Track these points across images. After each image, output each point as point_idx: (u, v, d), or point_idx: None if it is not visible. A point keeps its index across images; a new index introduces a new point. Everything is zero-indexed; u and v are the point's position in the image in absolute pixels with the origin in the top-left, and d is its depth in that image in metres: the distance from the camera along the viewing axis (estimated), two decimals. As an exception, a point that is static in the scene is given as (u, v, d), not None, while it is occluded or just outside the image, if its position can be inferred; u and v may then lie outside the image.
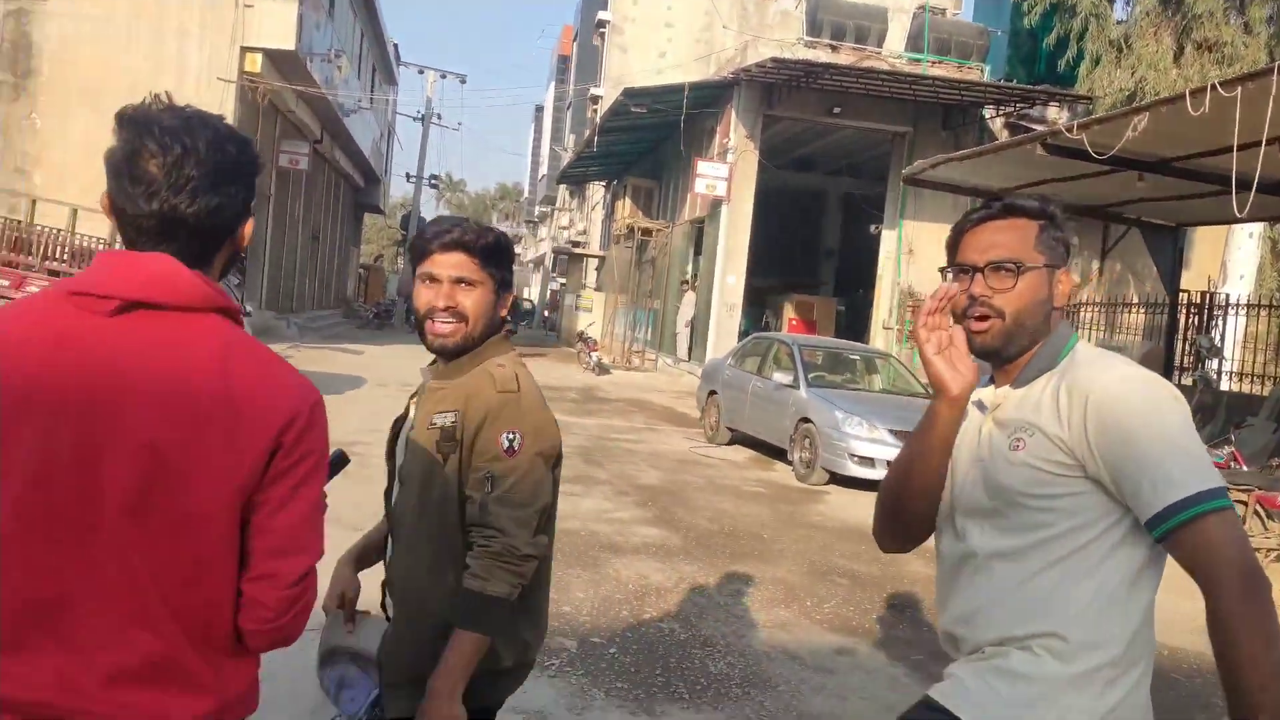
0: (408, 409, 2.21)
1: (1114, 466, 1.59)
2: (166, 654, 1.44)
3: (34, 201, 15.47)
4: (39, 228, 14.71)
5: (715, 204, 21.26)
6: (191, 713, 1.46)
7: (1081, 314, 16.86)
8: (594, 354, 24.14)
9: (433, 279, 2.08)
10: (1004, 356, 1.76)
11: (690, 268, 25.27)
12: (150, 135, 1.44)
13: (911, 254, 20.69)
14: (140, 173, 1.44)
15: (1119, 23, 19.72)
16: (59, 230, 15.12)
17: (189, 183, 1.44)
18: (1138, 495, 1.58)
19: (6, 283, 14.48)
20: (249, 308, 16.03)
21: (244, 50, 19.02)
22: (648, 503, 8.90)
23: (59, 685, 1.41)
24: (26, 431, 1.39)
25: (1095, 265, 21.34)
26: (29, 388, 1.39)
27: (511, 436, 1.97)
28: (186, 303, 1.45)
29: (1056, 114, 20.58)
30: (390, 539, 2.18)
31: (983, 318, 1.74)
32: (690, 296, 24.57)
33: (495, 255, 2.11)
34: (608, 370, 23.50)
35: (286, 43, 19.00)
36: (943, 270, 1.82)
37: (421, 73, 39.99)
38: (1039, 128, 19.40)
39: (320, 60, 21.99)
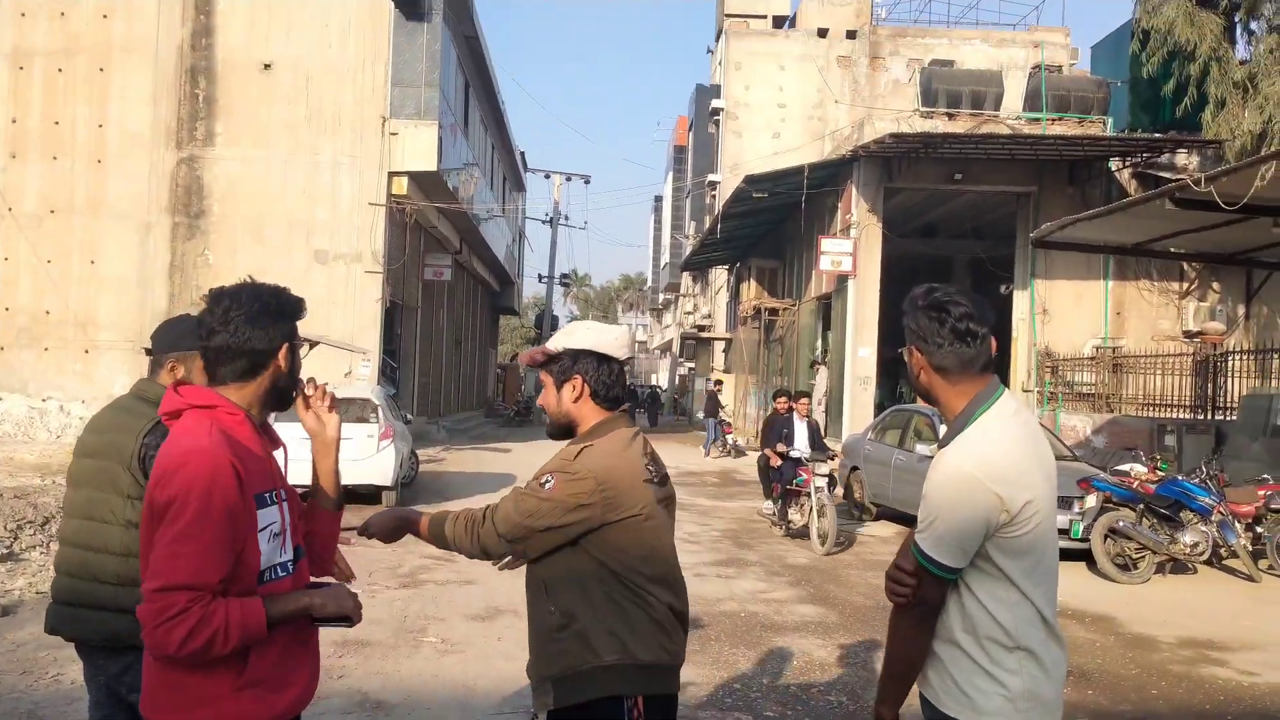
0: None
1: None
2: None
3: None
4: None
5: (842, 279, 21.47)
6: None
7: (1230, 362, 16.28)
8: (729, 436, 24.36)
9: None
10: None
11: (820, 344, 25.42)
12: (212, 297, 2.28)
13: (1046, 313, 20.42)
14: (204, 319, 2.25)
15: (1242, 63, 19.34)
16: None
17: (230, 323, 2.21)
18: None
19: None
20: (409, 416, 17.02)
21: (391, 175, 20.52)
22: (801, 582, 9.10)
23: None
24: None
25: (1240, 310, 20.59)
26: None
27: (548, 479, 2.54)
28: (172, 409, 2.24)
29: (1186, 159, 20.15)
30: None
31: None
32: (823, 373, 24.69)
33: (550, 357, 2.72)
34: (744, 452, 23.68)
35: (428, 164, 20.43)
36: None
37: (548, 177, 41.82)
38: (1169, 175, 19.07)
39: (457, 175, 23.44)
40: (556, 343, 2.71)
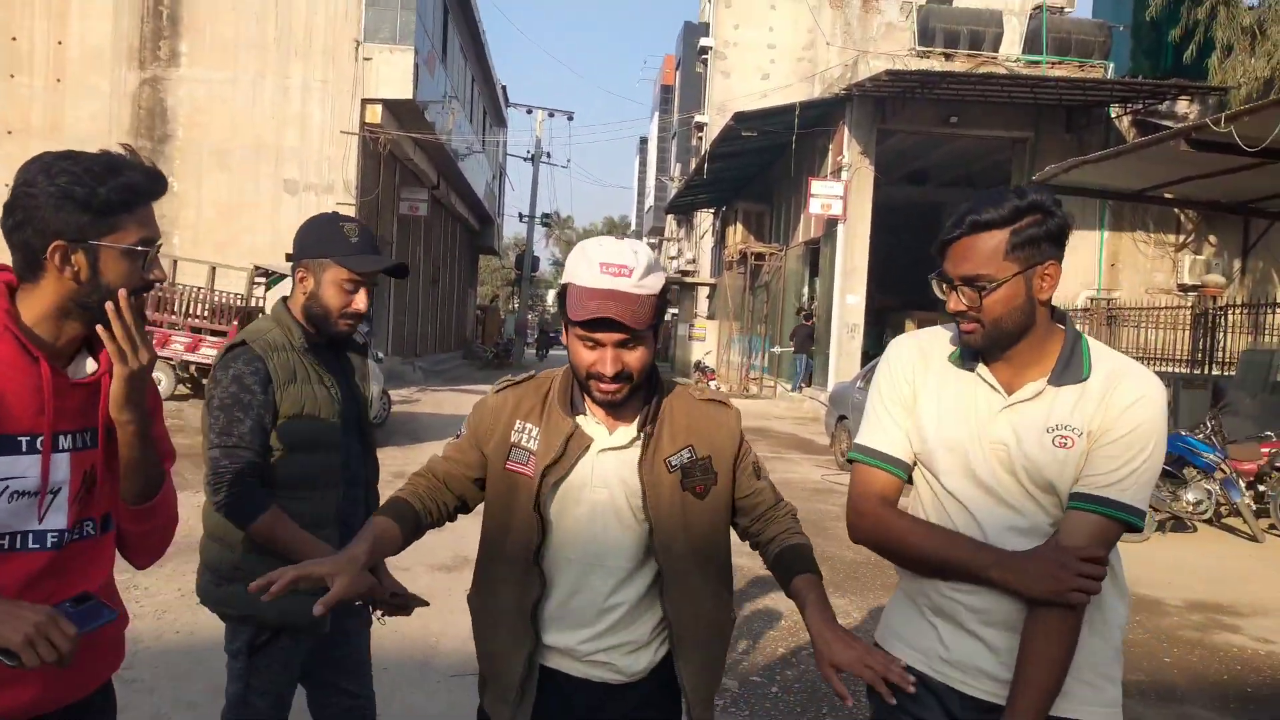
0: (562, 457, 2.06)
1: (1104, 446, 1.76)
2: None
3: (175, 262, 16.17)
4: (180, 287, 15.35)
5: (831, 223, 20.91)
6: None
7: (1228, 316, 15.92)
8: (712, 383, 24.00)
9: (597, 344, 1.95)
10: (995, 352, 1.88)
11: (806, 290, 24.91)
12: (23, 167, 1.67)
13: (1039, 263, 19.93)
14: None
15: (1250, 8, 18.80)
16: (198, 288, 15.79)
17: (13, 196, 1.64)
18: (1096, 471, 1.75)
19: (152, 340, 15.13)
20: (380, 354, 16.41)
21: (364, 102, 19.66)
22: (787, 533, 8.66)
23: None
24: None
25: (1236, 265, 20.20)
26: None
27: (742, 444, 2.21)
28: None
29: (1187, 108, 19.64)
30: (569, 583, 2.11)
31: (970, 323, 1.85)
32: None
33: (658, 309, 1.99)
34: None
35: (404, 92, 19.56)
36: (931, 278, 1.92)
37: (530, 112, 40.73)
38: (1169, 124, 18.53)
39: (435, 107, 22.57)
40: (656, 283, 1.95)
